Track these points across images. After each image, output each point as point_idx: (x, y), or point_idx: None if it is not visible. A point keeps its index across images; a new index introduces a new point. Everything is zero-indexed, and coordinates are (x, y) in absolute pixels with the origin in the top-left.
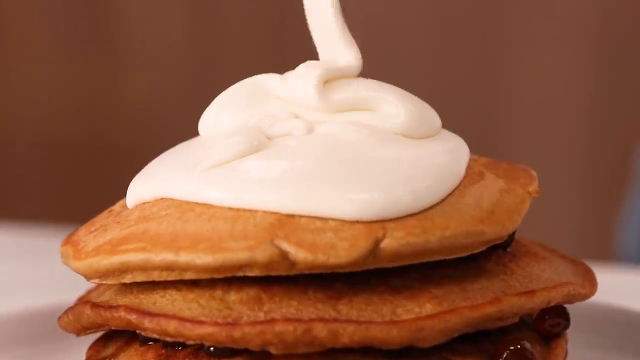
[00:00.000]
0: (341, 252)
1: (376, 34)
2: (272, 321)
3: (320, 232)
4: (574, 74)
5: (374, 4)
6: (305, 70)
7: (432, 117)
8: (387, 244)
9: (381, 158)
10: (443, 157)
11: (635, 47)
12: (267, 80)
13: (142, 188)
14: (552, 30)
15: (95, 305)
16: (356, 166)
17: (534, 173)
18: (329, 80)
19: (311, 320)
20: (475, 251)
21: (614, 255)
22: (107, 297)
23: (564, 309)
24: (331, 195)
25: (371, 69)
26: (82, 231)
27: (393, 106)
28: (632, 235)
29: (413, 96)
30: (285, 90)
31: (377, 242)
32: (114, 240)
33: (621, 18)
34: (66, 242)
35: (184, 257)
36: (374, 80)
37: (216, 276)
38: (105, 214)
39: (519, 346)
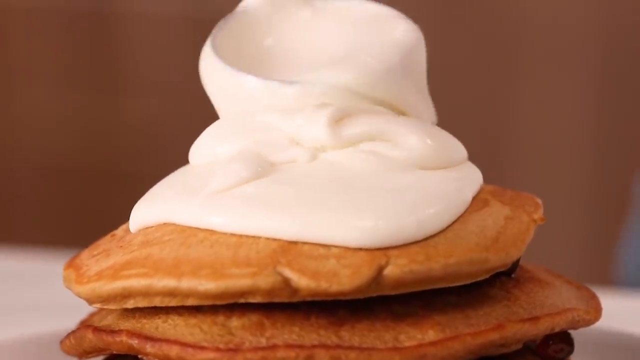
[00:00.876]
0: (344, 280)
1: None
2: (274, 347)
3: (322, 259)
4: (579, 103)
5: None
6: (316, 109)
7: (454, 150)
8: (390, 271)
9: (386, 186)
10: (449, 185)
11: (638, 78)
12: (268, 112)
13: (145, 213)
14: (557, 61)
15: (97, 330)
16: (360, 193)
17: (539, 201)
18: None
19: (313, 346)
20: (479, 279)
21: (613, 280)
22: (109, 321)
23: (568, 334)
24: (334, 222)
25: None
26: (85, 255)
27: (408, 139)
28: (632, 261)
29: (434, 128)
30: (292, 126)
31: (380, 270)
32: (116, 265)
33: (625, 48)
34: (69, 265)
35: (186, 284)
36: (390, 112)
37: (218, 302)
38: (108, 238)
39: None
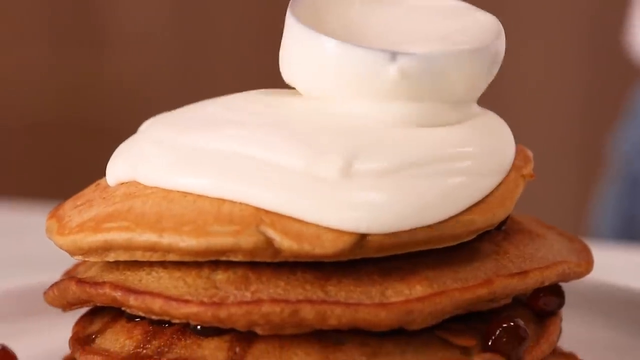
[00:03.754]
0: (327, 243)
1: None
2: (258, 302)
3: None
4: (570, 57)
5: None
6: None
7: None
8: (374, 236)
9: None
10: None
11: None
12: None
13: (118, 170)
14: (548, 15)
15: (80, 282)
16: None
17: (530, 153)
18: None
19: (298, 301)
20: (465, 240)
21: (590, 233)
22: (93, 272)
23: (559, 287)
24: (319, 205)
25: None
26: (68, 205)
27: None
28: (608, 214)
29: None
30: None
31: (364, 234)
32: (98, 217)
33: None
34: (52, 215)
35: (167, 239)
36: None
37: (199, 259)
38: (92, 187)
39: (512, 324)
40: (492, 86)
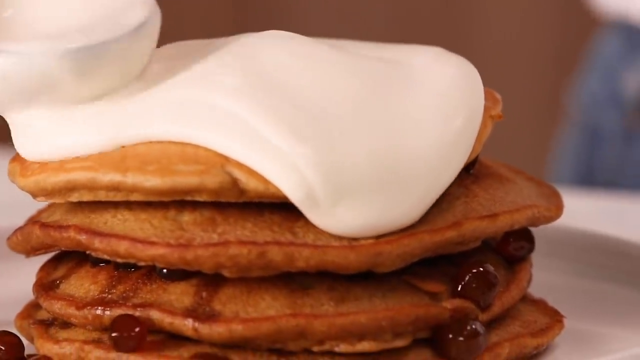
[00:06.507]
0: None
1: None
2: (225, 243)
3: None
4: (538, 11)
5: None
6: None
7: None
8: None
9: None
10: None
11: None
12: None
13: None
14: None
15: (44, 225)
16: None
17: (498, 96)
18: None
19: (266, 243)
20: None
21: (550, 179)
22: (57, 216)
23: (529, 232)
24: (282, 167)
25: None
26: None
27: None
28: (567, 164)
29: None
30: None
31: None
32: None
33: None
34: (14, 159)
35: (131, 179)
36: None
37: (164, 199)
38: None
39: (481, 269)
40: (461, 33)
